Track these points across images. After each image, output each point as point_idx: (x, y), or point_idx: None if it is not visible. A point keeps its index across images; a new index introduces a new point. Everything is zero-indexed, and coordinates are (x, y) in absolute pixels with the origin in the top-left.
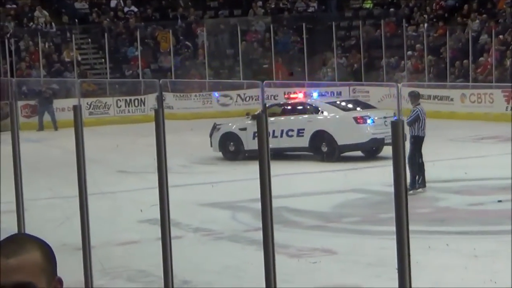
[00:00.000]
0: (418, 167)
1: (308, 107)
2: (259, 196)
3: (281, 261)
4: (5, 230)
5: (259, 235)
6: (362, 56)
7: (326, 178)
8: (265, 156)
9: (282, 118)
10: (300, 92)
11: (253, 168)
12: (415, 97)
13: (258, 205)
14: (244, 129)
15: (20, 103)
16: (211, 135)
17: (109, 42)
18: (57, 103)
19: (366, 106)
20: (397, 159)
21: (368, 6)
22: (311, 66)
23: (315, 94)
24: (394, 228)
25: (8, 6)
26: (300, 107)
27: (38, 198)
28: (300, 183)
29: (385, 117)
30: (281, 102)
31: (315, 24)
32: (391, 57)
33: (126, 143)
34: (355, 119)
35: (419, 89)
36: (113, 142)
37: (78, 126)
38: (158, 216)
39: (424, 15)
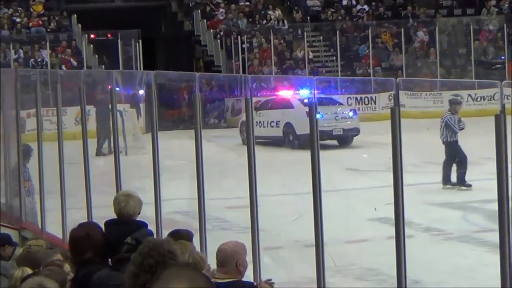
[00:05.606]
0: None
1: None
2: (492, 197)
3: None
4: (238, 225)
5: (491, 236)
6: None
7: None
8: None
9: (269, 111)
10: (289, 89)
11: (487, 169)
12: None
13: (491, 206)
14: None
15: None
16: None
17: (340, 40)
18: None
19: (334, 103)
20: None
21: None
22: None
23: (302, 92)
24: None
25: (242, 3)
26: (276, 102)
27: (270, 194)
28: None
29: (336, 113)
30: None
31: None
32: None
33: None
34: (307, 113)
35: None
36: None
37: (312, 122)
38: (389, 215)
39: None
